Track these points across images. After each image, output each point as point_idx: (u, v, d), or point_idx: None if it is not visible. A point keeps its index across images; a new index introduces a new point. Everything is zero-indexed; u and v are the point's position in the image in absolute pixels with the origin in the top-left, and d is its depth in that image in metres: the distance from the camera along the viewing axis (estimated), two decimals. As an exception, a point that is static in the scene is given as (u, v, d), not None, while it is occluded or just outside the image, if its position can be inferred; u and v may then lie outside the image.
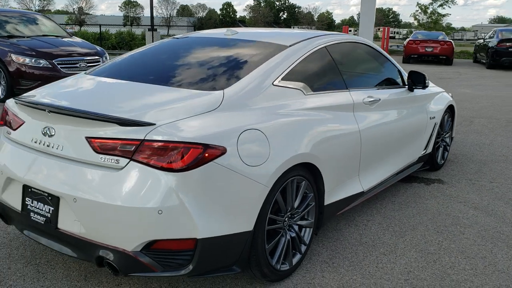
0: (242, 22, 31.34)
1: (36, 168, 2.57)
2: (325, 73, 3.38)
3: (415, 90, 4.33)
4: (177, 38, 3.80)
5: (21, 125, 2.74)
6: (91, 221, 2.35)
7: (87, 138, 2.40)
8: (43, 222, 2.55)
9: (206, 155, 2.31)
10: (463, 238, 3.54)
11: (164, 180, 2.26)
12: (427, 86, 4.28)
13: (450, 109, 5.21)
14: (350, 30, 39.79)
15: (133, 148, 2.29)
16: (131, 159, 2.30)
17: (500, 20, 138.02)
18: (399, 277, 2.97)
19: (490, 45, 18.24)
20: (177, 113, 2.45)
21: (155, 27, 24.41)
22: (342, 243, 3.39)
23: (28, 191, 2.61)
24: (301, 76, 3.12)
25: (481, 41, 20.81)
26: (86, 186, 2.35)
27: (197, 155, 2.29)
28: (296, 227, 2.92)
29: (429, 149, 4.78)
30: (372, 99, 3.62)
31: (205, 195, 2.34)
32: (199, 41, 3.62)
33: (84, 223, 2.37)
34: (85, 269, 2.95)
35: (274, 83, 2.90)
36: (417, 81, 4.26)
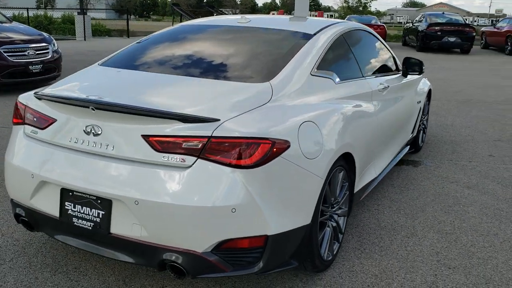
0: (177, 5, 30.30)
1: (78, 170, 2.38)
2: (346, 61, 3.40)
3: (408, 76, 4.46)
4: (189, 26, 3.64)
5: (51, 123, 2.52)
6: (156, 224, 2.22)
7: (144, 136, 2.25)
8: (90, 228, 2.37)
9: (275, 150, 2.25)
10: (470, 217, 3.73)
11: (235, 177, 2.18)
12: (423, 73, 4.43)
13: (428, 93, 5.43)
14: (287, 13, 39.98)
15: (200, 146, 2.18)
16: (199, 157, 2.19)
17: (412, 4, 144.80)
18: (430, 258, 3.08)
19: (419, 28, 19.13)
20: (235, 107, 2.36)
21: (78, 10, 23.19)
22: (364, 229, 3.46)
23: (68, 195, 2.42)
24: (329, 65, 3.11)
25: (410, 24, 21.75)
26: (149, 187, 2.21)
27: (267, 150, 2.22)
28: (336, 217, 2.94)
29: (415, 132, 4.97)
30: (383, 86, 3.69)
31: (273, 191, 2.28)
32: (219, 30, 3.48)
33: (147, 226, 2.23)
34: (120, 272, 2.80)
35: (312, 72, 2.87)
36: (410, 67, 4.38)
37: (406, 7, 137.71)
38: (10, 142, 2.76)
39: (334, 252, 2.94)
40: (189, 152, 2.20)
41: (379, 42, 4.23)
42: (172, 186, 2.19)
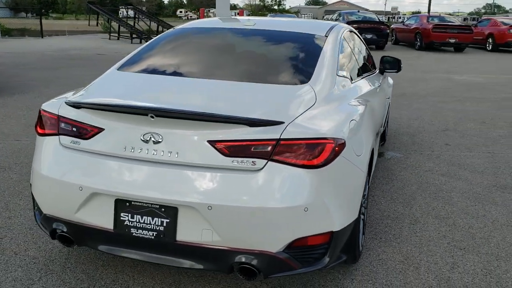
0: (92, 3, 28.87)
1: (137, 179, 2.32)
2: (351, 61, 3.56)
3: (384, 73, 4.74)
4: (201, 28, 3.60)
5: (96, 133, 2.42)
6: (230, 227, 2.23)
7: (210, 142, 2.25)
8: (153, 237, 2.33)
9: (337, 149, 2.35)
10: (457, 202, 4.08)
11: (306, 177, 2.26)
12: (400, 70, 4.72)
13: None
14: (211, 11, 39.56)
15: (269, 148, 2.23)
16: (269, 159, 2.24)
17: (315, 2, 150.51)
18: (441, 241, 3.35)
19: (338, 26, 20.00)
20: (292, 110, 2.43)
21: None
22: (372, 219, 3.66)
23: (125, 205, 2.35)
24: (344, 65, 3.26)
25: (327, 23, 22.64)
26: (221, 192, 2.22)
27: (331, 150, 2.32)
28: (363, 209, 3.10)
29: (385, 126, 5.29)
30: (377, 85, 3.92)
31: (336, 188, 2.39)
32: (236, 32, 3.47)
33: (220, 230, 2.24)
34: (162, 280, 2.75)
35: (338, 73, 3.00)
36: (387, 65, 4.66)
37: (309, 5, 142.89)
38: (39, 154, 2.60)
39: (362, 243, 3.10)
40: (258, 155, 2.24)
41: (362, 42, 4.46)
42: (245, 189, 2.22)
